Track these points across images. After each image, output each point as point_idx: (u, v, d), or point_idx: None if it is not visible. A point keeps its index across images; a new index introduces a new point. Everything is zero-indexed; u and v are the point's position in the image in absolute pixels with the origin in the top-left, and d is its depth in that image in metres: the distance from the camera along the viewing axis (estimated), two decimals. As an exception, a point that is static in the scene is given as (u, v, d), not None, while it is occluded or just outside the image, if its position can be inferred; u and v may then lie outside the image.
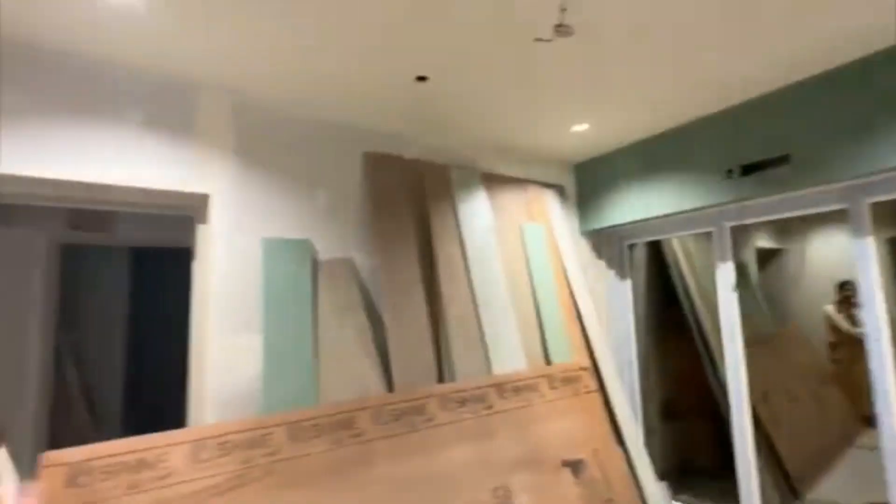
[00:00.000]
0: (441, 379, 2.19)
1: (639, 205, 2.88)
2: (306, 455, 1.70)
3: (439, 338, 2.28)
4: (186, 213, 1.94)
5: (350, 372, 2.02)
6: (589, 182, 3.26)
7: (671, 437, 3.50)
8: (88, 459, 1.35)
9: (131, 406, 3.20)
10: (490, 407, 2.16)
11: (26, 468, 1.47)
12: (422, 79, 1.97)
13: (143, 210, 1.89)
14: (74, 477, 1.31)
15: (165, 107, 1.85)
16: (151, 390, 3.25)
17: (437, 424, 1.99)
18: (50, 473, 1.29)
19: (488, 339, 2.36)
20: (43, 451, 1.33)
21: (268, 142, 2.09)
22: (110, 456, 1.39)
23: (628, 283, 3.34)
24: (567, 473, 2.21)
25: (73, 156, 1.64)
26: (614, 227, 3.12)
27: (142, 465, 1.42)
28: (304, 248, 2.08)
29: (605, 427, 2.51)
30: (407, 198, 2.40)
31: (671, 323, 3.57)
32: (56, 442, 2.18)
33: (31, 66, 1.62)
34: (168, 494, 1.42)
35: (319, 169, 2.22)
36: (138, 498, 1.37)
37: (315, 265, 2.10)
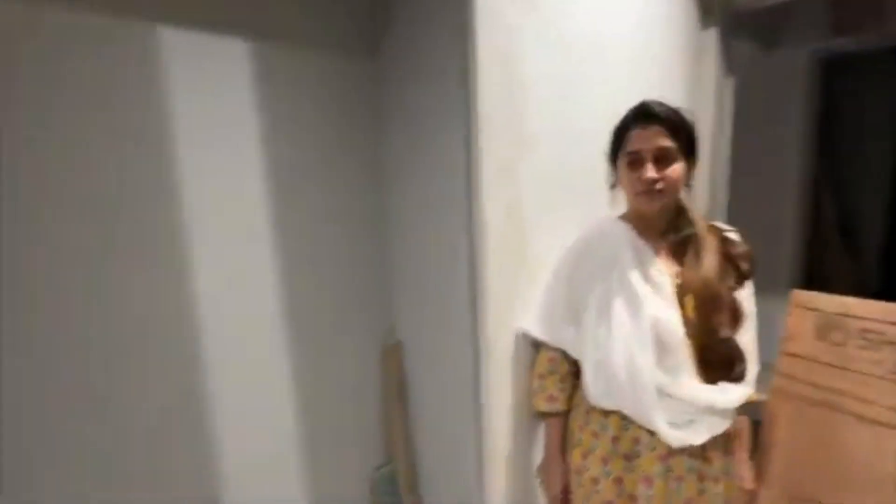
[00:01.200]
0: None
1: None
2: None
3: None
4: None
5: None
6: None
7: None
8: (841, 314, 1.14)
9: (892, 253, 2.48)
10: None
11: (780, 304, 1.40)
12: None
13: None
14: (825, 329, 1.15)
15: None
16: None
17: None
18: (798, 315, 1.19)
19: None
20: (796, 287, 1.23)
21: None
22: (868, 319, 1.10)
23: None
24: None
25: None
26: None
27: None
28: None
29: None
30: None
31: None
32: (812, 282, 2.06)
33: None
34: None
35: None
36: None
37: None
